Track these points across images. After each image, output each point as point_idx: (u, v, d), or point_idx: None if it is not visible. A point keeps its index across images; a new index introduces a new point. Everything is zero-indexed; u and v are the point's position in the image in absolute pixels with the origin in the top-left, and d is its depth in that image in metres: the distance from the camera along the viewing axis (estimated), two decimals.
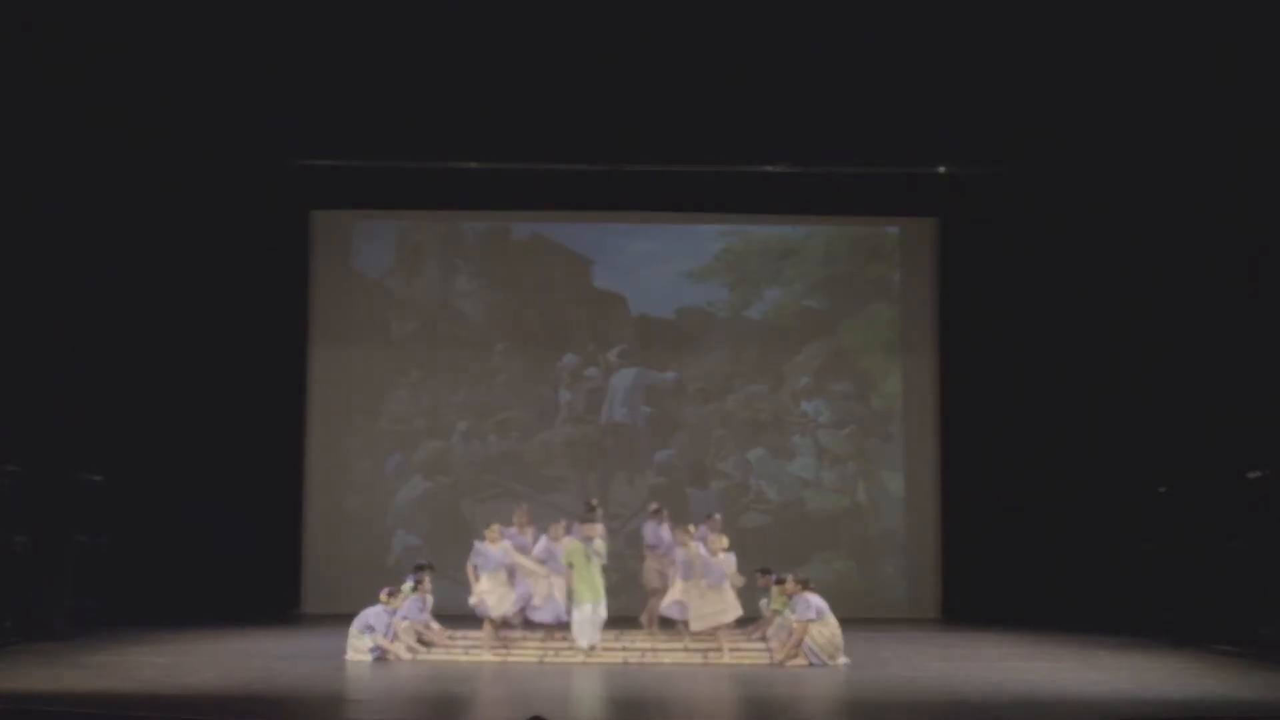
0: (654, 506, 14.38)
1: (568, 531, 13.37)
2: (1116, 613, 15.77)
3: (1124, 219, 16.69)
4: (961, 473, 17.95)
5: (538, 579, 13.18)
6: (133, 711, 9.41)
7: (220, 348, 17.21)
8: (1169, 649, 14.03)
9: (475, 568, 13.20)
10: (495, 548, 13.18)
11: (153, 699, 10.08)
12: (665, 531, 13.80)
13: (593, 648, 12.90)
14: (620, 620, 13.79)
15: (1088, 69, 14.89)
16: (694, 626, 12.95)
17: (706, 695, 11.05)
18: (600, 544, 13.16)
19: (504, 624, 13.17)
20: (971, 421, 17.88)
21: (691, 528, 13.48)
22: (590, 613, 12.95)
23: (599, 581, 13.05)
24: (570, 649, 12.97)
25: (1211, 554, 14.51)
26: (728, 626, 13.02)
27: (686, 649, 13.02)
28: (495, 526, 13.38)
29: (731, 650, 12.87)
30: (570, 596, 13.06)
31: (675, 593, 13.02)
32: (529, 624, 13.34)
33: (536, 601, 13.15)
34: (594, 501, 14.16)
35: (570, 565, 13.03)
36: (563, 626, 13.15)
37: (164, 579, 16.15)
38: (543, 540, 13.39)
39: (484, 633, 13.15)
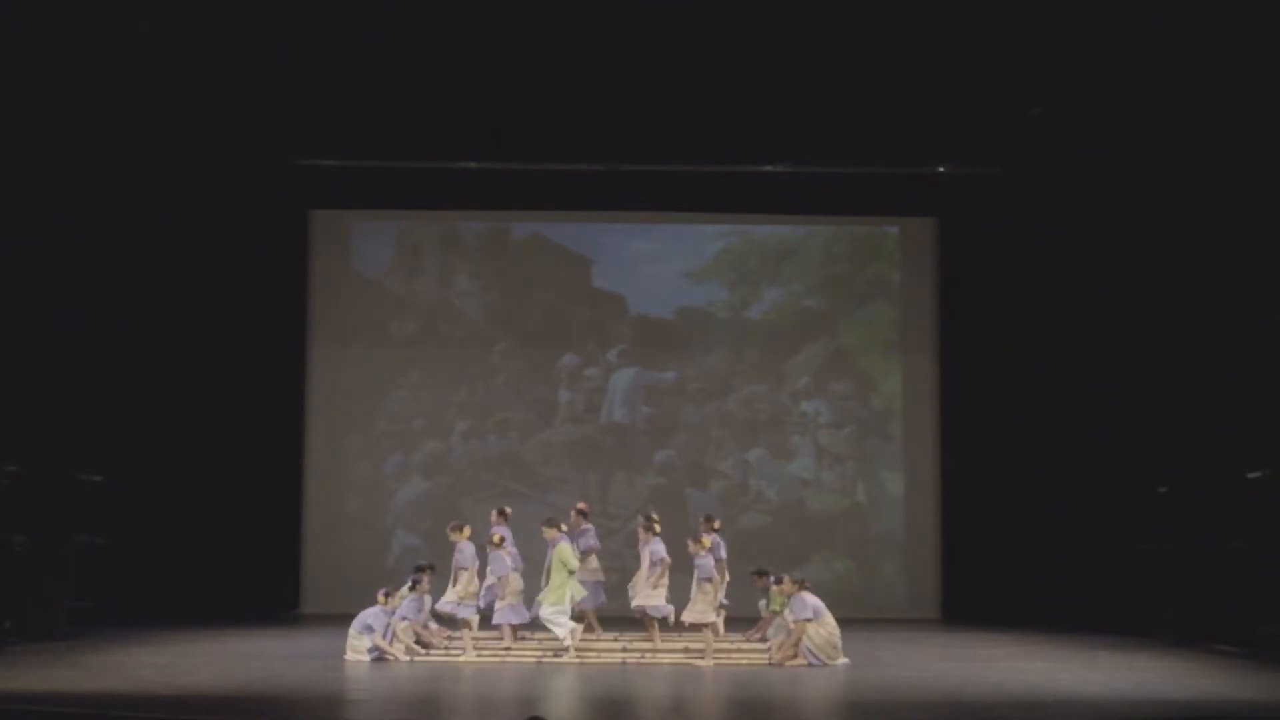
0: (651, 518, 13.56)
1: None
2: (1116, 613, 15.77)
3: (1123, 218, 16.67)
4: (961, 473, 17.95)
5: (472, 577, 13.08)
6: (133, 711, 9.41)
7: (220, 348, 17.22)
8: (1169, 649, 14.03)
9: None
10: (463, 539, 13.12)
11: (153, 699, 10.07)
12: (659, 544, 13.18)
13: (573, 631, 12.73)
14: (620, 620, 13.77)
15: (1086, 67, 14.87)
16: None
17: (706, 695, 11.05)
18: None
19: (467, 625, 13.03)
20: (971, 421, 17.89)
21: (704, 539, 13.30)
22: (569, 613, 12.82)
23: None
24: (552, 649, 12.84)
25: (1211, 554, 14.51)
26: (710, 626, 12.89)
27: (686, 650, 13.01)
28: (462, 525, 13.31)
29: (715, 653, 12.74)
30: (549, 599, 12.82)
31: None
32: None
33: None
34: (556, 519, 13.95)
35: (569, 569, 12.85)
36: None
37: (164, 579, 16.15)
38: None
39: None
